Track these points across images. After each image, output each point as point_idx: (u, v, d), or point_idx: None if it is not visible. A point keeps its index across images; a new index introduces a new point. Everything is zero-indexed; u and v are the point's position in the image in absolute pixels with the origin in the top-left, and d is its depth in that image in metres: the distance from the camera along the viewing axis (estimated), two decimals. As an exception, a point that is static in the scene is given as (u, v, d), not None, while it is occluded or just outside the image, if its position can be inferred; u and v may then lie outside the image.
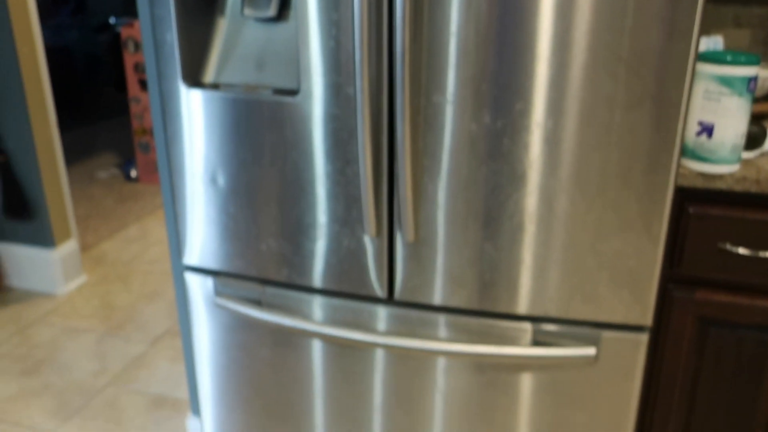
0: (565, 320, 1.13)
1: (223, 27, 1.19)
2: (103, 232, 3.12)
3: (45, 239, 2.54)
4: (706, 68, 1.07)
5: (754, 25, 1.53)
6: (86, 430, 1.87)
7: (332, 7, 1.04)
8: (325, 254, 1.19)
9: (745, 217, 1.14)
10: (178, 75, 1.18)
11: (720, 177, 1.12)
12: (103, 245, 3.01)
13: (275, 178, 1.17)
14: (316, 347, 1.27)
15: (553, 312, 1.11)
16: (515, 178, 1.04)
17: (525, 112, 1.01)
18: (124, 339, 2.31)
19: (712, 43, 1.40)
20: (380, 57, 1.04)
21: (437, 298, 1.16)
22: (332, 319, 1.24)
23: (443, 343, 1.15)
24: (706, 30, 1.55)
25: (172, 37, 1.15)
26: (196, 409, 1.65)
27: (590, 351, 1.10)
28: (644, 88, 0.97)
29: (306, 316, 1.25)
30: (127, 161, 3.78)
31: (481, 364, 1.19)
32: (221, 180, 1.21)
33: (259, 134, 1.15)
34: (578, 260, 1.07)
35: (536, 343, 1.14)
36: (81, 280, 2.67)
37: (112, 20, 4.98)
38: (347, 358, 1.26)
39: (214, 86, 1.17)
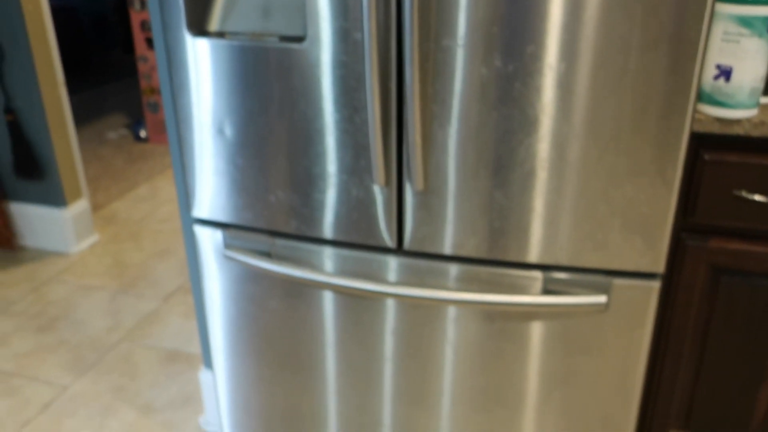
0: (575, 268, 1.12)
1: (227, -27, 1.17)
2: (113, 192, 3.13)
3: (56, 199, 2.55)
4: (726, 8, 1.03)
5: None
6: (101, 384, 1.90)
7: (338, -52, 1.01)
8: (334, 205, 1.18)
9: (762, 163, 1.12)
10: (182, 24, 1.15)
11: (737, 122, 1.09)
12: (113, 205, 3.02)
13: (283, 128, 1.16)
14: (326, 298, 1.28)
15: (564, 260, 1.10)
16: (527, 124, 1.02)
17: (537, 55, 0.99)
18: (137, 296, 2.33)
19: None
20: (388, 0, 1.01)
21: (447, 248, 1.15)
22: (342, 270, 1.24)
23: (453, 292, 1.15)
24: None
25: (175, -17, 1.13)
26: (208, 363, 1.67)
27: (601, 299, 1.10)
28: (661, 28, 0.94)
29: (316, 267, 1.25)
30: (136, 122, 3.77)
31: (491, 313, 1.18)
32: (229, 131, 1.20)
33: (266, 83, 1.13)
34: (590, 207, 1.05)
35: (547, 291, 1.13)
36: (93, 239, 2.69)
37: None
38: (357, 309, 1.26)
39: (220, 35, 1.15)
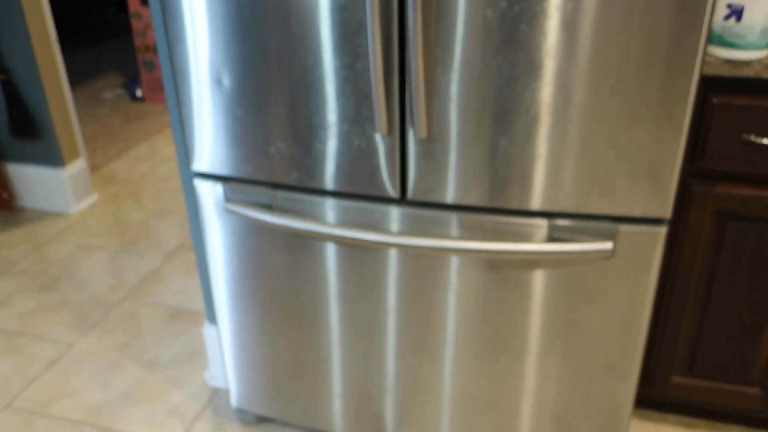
0: (581, 215, 1.11)
1: None
2: (111, 152, 3.10)
3: (54, 159, 2.53)
4: (737, -56, 1.00)
5: None
6: (106, 342, 1.91)
7: None
8: (335, 155, 1.16)
9: (771, 106, 1.10)
10: (176, -31, 1.12)
11: (747, 64, 1.07)
12: (112, 165, 3.00)
13: (282, 78, 1.13)
14: (329, 250, 1.27)
15: (570, 207, 1.09)
16: (532, 68, 1.00)
17: (543, -5, 0.95)
18: (138, 255, 2.33)
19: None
20: (388, -61, 0.98)
21: (451, 197, 1.14)
22: (344, 221, 1.22)
23: (457, 241, 1.14)
24: None
25: (167, -74, 1.09)
26: (212, 318, 1.67)
27: (607, 246, 1.09)
28: (671, -36, 0.91)
29: (318, 219, 1.24)
30: (131, 81, 3.72)
31: (495, 261, 1.18)
32: (227, 81, 1.17)
33: (264, 30, 1.10)
34: (597, 152, 1.04)
35: (552, 239, 1.12)
36: (92, 199, 2.67)
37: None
38: (360, 260, 1.26)
39: (215, -20, 1.12)
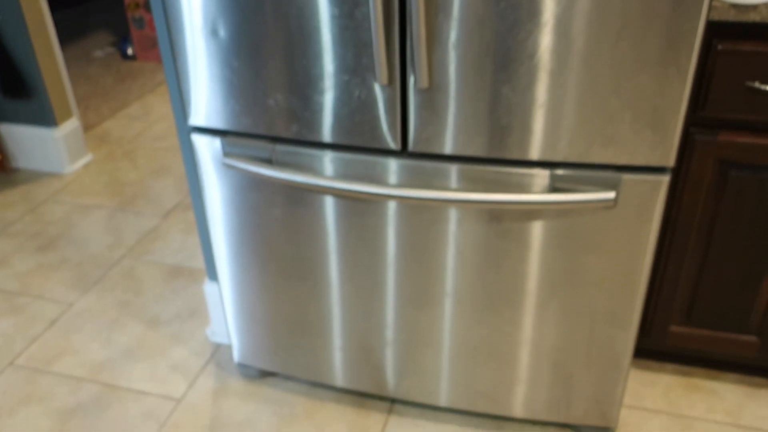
0: (584, 164, 1.10)
1: None
2: (104, 112, 3.06)
3: (46, 118, 2.49)
4: None
5: None
6: (106, 300, 1.91)
7: None
8: (335, 107, 1.15)
9: (777, 52, 1.09)
10: None
11: (754, 8, 1.05)
12: (105, 124, 2.97)
13: (279, 27, 1.11)
14: (329, 204, 1.26)
15: (573, 157, 1.08)
16: (535, 13, 0.98)
17: (547, -63, 0.93)
18: (136, 214, 2.32)
19: None
20: None
21: (452, 148, 1.12)
22: (344, 174, 1.22)
23: (459, 192, 1.13)
24: None
25: None
26: (212, 275, 1.68)
27: (610, 195, 1.08)
28: None
29: (318, 172, 1.23)
30: (122, 39, 3.65)
31: (496, 213, 1.17)
32: (222, 32, 1.15)
33: (260, -22, 1.07)
34: (601, 100, 1.02)
35: (554, 189, 1.12)
36: (86, 159, 2.65)
37: None
38: (360, 214, 1.25)
39: (208, -74, 1.08)
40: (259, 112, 1.20)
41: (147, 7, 3.46)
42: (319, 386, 1.60)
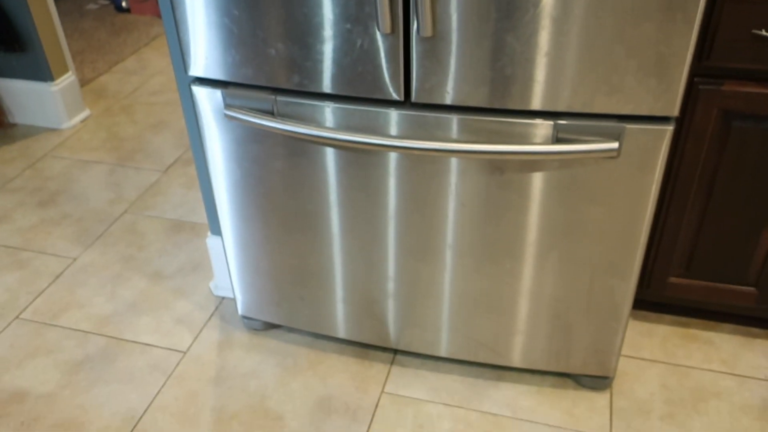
0: (587, 114, 1.09)
1: None
2: (100, 66, 3.03)
3: (42, 73, 2.47)
4: None
5: None
6: (109, 255, 1.92)
7: None
8: (336, 56, 1.13)
9: (785, -2, 1.07)
10: None
11: (762, -47, 1.03)
12: (102, 79, 2.93)
13: (279, -25, 1.09)
14: (331, 155, 1.26)
15: (576, 106, 1.08)
16: (541, -42, 0.96)
17: None
18: (136, 168, 2.31)
19: None
20: None
21: (455, 98, 1.12)
22: (346, 126, 1.21)
23: (462, 143, 1.13)
24: None
25: None
26: (215, 229, 1.68)
27: (613, 145, 1.08)
28: None
29: (319, 123, 1.22)
30: (116, -8, 3.58)
31: (499, 164, 1.17)
32: (221, -20, 1.13)
33: (259, -77, 1.05)
34: (605, 48, 1.01)
35: (557, 140, 1.12)
36: (84, 114, 2.63)
37: None
38: (362, 165, 1.25)
39: None
40: (260, 62, 1.19)
41: (141, -42, 3.38)
42: (322, 338, 1.62)
